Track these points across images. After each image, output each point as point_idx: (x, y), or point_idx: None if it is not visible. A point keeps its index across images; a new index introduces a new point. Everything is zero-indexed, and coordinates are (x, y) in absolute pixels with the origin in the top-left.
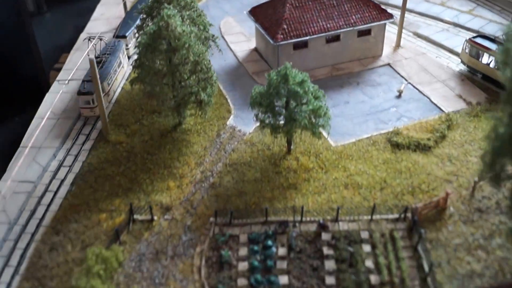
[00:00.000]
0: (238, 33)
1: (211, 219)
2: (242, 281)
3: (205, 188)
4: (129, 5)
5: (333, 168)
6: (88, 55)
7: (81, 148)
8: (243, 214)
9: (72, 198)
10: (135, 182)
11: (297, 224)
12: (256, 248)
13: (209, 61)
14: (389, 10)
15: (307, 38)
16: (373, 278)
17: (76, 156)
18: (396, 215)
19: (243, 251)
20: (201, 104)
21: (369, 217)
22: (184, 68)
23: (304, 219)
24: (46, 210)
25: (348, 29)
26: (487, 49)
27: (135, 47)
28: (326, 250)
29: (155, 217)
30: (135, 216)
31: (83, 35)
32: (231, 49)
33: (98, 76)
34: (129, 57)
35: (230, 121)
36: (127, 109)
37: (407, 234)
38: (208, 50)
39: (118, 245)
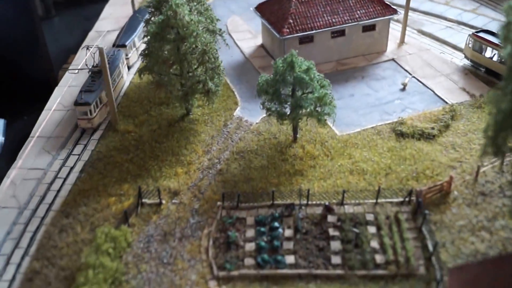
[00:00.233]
0: (245, 31)
1: (219, 203)
2: (249, 261)
3: (213, 174)
4: (137, 5)
5: (338, 155)
6: (86, 65)
7: (90, 137)
8: (249, 198)
9: (81, 183)
10: (143, 168)
11: (303, 207)
12: (263, 229)
13: (217, 50)
14: None
15: (313, 32)
16: (379, 258)
17: (85, 145)
18: (400, 199)
19: (250, 233)
20: (209, 93)
21: (374, 200)
22: (192, 57)
23: (310, 202)
24: (56, 196)
25: (353, 23)
26: (490, 43)
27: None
28: (332, 232)
29: (163, 201)
30: (144, 200)
31: (92, 33)
32: (237, 46)
33: (107, 66)
34: (129, 67)
35: (237, 112)
36: (135, 102)
37: (411, 216)
38: (215, 43)
39: (127, 227)
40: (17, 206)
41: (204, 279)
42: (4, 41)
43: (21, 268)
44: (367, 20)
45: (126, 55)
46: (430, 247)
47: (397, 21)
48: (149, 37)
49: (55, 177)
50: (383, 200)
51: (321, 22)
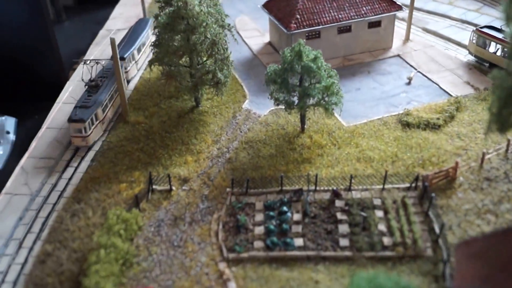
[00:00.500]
0: (253, 29)
1: (228, 189)
2: (258, 244)
3: (222, 162)
4: (147, 5)
5: (345, 144)
6: (83, 80)
7: None
8: (258, 184)
9: (92, 171)
10: (153, 157)
11: (311, 193)
12: (272, 213)
13: (226, 41)
14: None
15: (320, 27)
16: (386, 240)
17: None
18: (407, 184)
19: (259, 217)
20: (218, 84)
21: (381, 186)
22: (201, 47)
23: (318, 188)
24: (67, 184)
25: (359, 19)
26: (494, 38)
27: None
28: (339, 215)
29: (173, 188)
30: (154, 186)
31: (102, 32)
32: (246, 43)
33: (118, 56)
34: (128, 81)
35: (246, 105)
36: (145, 95)
37: (418, 201)
38: (224, 35)
39: (138, 211)
40: (29, 193)
41: (214, 261)
42: (19, 44)
43: (33, 251)
44: (372, 16)
45: (125, 68)
46: (437, 230)
47: (402, 19)
48: (159, 28)
49: (67, 165)
50: (390, 185)
51: (328, 18)
